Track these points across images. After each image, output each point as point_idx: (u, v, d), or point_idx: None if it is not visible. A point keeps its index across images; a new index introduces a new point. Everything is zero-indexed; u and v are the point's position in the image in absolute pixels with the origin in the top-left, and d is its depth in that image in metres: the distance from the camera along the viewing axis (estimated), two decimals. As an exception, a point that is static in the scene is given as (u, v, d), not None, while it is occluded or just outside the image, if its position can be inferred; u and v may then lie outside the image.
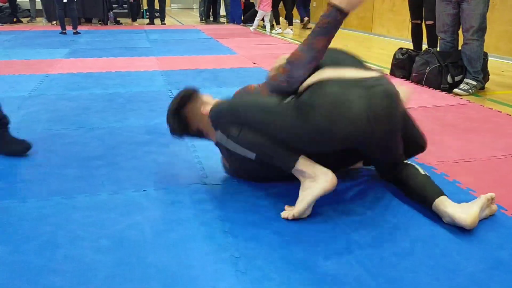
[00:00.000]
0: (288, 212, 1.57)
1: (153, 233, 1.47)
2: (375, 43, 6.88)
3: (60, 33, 7.15)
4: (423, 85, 3.65)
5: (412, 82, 3.78)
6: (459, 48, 3.61)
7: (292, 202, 1.61)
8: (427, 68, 3.62)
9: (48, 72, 4.10)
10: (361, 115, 1.51)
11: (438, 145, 2.32)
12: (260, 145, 1.58)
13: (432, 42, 4.28)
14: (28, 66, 4.36)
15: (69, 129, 2.52)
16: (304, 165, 1.57)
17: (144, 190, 1.78)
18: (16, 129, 2.49)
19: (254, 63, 4.62)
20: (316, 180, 1.55)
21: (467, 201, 1.70)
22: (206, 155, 2.13)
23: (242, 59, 4.92)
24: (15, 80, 3.75)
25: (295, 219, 1.55)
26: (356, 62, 1.69)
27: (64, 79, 3.80)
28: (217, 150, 1.88)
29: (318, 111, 1.50)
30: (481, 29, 3.41)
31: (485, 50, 3.54)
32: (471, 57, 3.48)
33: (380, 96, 1.54)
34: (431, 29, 4.22)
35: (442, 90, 3.54)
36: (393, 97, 1.58)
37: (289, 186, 1.76)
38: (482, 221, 1.56)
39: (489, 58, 3.80)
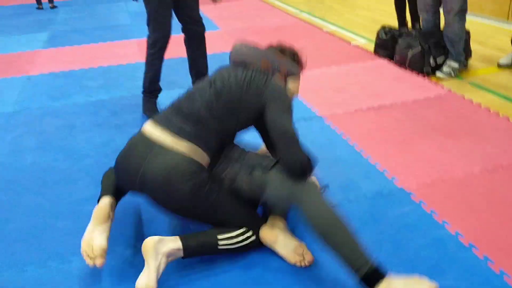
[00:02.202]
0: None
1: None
2: (360, 2, 6.70)
3: (36, 8, 6.92)
4: (406, 68, 3.66)
5: (395, 63, 3.78)
6: (442, 25, 3.59)
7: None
8: (410, 52, 3.61)
9: (29, 72, 4.05)
10: (133, 169, 1.68)
11: (419, 158, 2.39)
12: None
13: (414, 15, 4.22)
14: (8, 63, 4.29)
15: (58, 160, 2.55)
16: None
17: (135, 246, 1.86)
18: (6, 164, 2.55)
19: (237, 44, 4.55)
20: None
21: (442, 239, 1.81)
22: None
23: (225, 37, 4.83)
24: (-3, 86, 3.72)
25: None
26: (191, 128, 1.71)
27: (46, 83, 3.76)
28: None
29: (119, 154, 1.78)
30: (462, 11, 3.38)
31: (469, 10, 3.48)
32: (453, 39, 3.47)
33: (155, 164, 1.64)
34: (412, 2, 4.14)
35: (425, 74, 3.55)
36: (162, 171, 1.63)
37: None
38: (451, 265, 1.67)
39: (474, 18, 3.76)
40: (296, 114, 2.90)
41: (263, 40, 4.68)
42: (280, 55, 1.89)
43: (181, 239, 1.65)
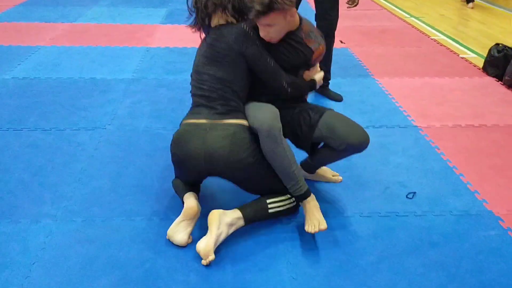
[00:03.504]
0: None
1: (233, 272, 1.76)
2: (476, 15, 6.40)
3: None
4: (515, 91, 3.53)
5: (503, 84, 3.65)
6: None
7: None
8: (522, 75, 3.47)
9: (148, 44, 4.43)
10: (196, 150, 1.88)
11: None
12: None
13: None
14: (130, 34, 4.71)
15: (167, 129, 2.83)
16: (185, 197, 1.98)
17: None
18: (123, 125, 2.87)
19: (341, 42, 4.62)
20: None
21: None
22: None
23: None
24: (120, 54, 4.12)
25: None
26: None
27: (162, 57, 4.11)
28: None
29: (172, 146, 2.01)
30: None
31: None
32: None
33: (215, 138, 1.88)
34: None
35: (535, 100, 3.41)
36: (225, 140, 1.87)
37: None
38: None
39: None
40: (392, 121, 3.00)
41: (368, 41, 4.70)
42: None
43: (240, 209, 1.92)
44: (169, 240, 1.91)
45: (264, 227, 2.01)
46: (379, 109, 3.19)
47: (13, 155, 2.51)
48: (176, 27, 5.04)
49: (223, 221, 1.86)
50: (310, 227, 1.91)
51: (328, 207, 2.15)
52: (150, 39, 4.58)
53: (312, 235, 1.97)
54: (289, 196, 2.01)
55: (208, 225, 1.85)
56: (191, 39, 4.73)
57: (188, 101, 3.15)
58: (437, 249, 1.92)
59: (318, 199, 2.19)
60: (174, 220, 1.97)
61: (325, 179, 2.35)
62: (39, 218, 2.03)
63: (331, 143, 2.02)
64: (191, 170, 1.97)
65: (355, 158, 2.52)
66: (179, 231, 1.90)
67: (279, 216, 2.01)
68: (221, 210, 1.88)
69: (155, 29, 4.96)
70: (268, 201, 1.97)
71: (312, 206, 1.96)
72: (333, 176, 2.35)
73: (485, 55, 4.00)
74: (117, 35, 4.66)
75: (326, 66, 3.29)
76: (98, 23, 5.08)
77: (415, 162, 2.54)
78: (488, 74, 3.87)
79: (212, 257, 1.78)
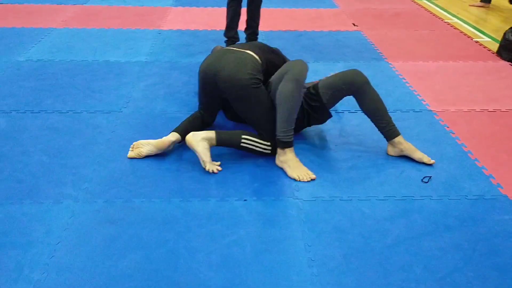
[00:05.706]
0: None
1: (253, 252, 1.80)
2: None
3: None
4: (529, 75, 3.50)
5: (518, 69, 3.63)
6: None
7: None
8: (538, 59, 3.45)
9: (160, 26, 4.42)
10: (212, 64, 2.40)
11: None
12: None
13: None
14: (142, 17, 4.70)
15: (182, 112, 2.84)
16: None
17: (245, 200, 2.09)
18: (138, 108, 2.90)
19: (354, 25, 4.59)
20: None
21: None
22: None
23: (342, 16, 4.87)
24: (132, 37, 4.12)
25: None
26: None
27: (174, 39, 4.10)
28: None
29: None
30: None
31: None
32: None
33: (229, 58, 2.38)
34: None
35: (550, 85, 3.39)
36: (237, 60, 2.35)
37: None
38: None
39: None
40: (407, 105, 3.00)
41: (380, 24, 4.65)
42: None
43: (215, 132, 2.28)
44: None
45: (278, 208, 2.04)
46: (393, 93, 3.19)
47: (32, 137, 2.54)
48: (187, 10, 5.03)
49: (197, 139, 2.23)
50: (297, 175, 2.21)
51: (344, 190, 2.18)
52: (162, 22, 4.57)
53: (328, 219, 2.00)
54: (268, 143, 2.31)
55: (191, 148, 2.27)
56: (203, 22, 4.75)
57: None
58: (452, 232, 1.94)
59: (333, 180, 2.24)
60: (194, 202, 2.04)
61: (414, 156, 2.41)
62: (61, 199, 2.07)
63: (342, 92, 2.43)
64: (205, 83, 2.44)
65: (370, 142, 2.56)
66: (144, 147, 2.34)
67: (249, 152, 2.33)
68: (191, 133, 2.27)
69: (166, 11, 4.95)
70: (243, 136, 2.29)
71: (293, 155, 2.26)
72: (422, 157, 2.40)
73: (500, 39, 3.97)
74: (128, 18, 4.66)
75: (255, 22, 3.75)
76: (109, 5, 5.07)
77: (430, 147, 2.55)
78: (503, 58, 3.85)
79: (213, 166, 2.26)
